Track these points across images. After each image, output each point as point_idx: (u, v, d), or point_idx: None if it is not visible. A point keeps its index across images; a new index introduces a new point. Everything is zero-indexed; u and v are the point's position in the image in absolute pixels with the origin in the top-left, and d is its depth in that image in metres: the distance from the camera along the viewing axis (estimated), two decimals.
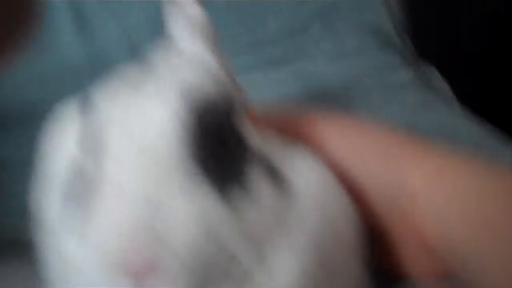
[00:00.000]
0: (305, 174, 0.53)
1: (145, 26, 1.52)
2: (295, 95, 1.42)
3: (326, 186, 0.55)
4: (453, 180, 0.54)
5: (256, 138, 0.53)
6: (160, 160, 0.45)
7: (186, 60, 0.53)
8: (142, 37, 1.51)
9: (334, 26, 1.74)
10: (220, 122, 0.49)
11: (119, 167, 0.46)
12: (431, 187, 0.54)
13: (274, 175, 0.51)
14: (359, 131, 0.63)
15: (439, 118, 1.44)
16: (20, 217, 1.07)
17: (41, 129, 1.01)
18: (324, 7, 1.75)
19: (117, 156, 0.46)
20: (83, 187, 0.48)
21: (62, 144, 0.54)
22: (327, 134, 0.60)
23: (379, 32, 1.81)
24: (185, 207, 0.44)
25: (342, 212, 0.54)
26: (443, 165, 0.56)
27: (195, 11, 0.63)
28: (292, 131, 0.60)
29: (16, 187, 1.21)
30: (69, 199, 0.49)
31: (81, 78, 1.41)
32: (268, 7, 1.68)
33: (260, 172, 0.49)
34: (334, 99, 1.46)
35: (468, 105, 1.57)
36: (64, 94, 1.03)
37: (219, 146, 0.48)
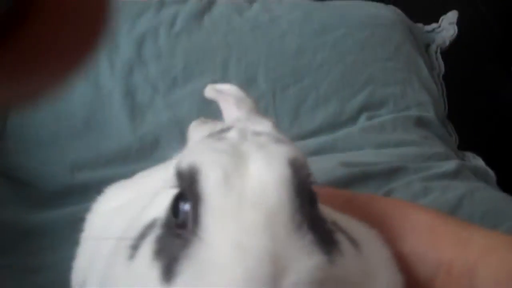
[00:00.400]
0: (367, 243, 0.59)
1: (195, 115, 1.61)
2: (339, 180, 1.47)
3: (382, 253, 0.61)
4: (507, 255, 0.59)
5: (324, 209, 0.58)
6: (277, 219, 0.48)
7: (267, 138, 0.57)
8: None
9: (380, 118, 1.79)
10: (309, 185, 0.53)
11: (235, 227, 0.47)
12: (489, 262, 0.58)
13: (352, 240, 0.55)
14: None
15: (486, 205, 1.46)
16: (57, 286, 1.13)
17: (90, 205, 1.09)
18: (371, 100, 1.82)
19: (232, 216, 0.48)
20: (177, 248, 0.49)
21: (156, 203, 0.57)
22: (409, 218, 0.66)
23: (424, 124, 1.85)
24: (304, 264, 0.47)
25: (392, 279, 0.60)
26: (494, 243, 0.61)
27: (237, 92, 0.73)
28: (361, 210, 0.66)
29: (55, 256, 1.28)
30: (161, 259, 0.50)
31: (132, 161, 1.51)
32: (318, 99, 1.76)
33: (342, 235, 0.54)
34: (377, 185, 1.51)
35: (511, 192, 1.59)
36: (114, 176, 1.12)
37: (313, 207, 0.53)
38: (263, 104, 1.70)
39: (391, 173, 1.55)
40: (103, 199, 1.07)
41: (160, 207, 0.57)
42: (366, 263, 0.55)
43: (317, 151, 1.64)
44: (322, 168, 1.50)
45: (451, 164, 1.64)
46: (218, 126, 0.64)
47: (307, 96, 1.75)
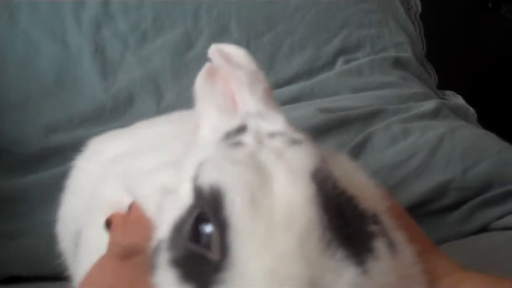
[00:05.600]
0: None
1: (169, 68, 1.59)
2: (318, 127, 1.45)
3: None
4: None
5: (385, 217, 0.58)
6: (308, 241, 0.48)
7: (283, 140, 0.57)
8: (166, 79, 1.58)
9: (357, 62, 1.77)
10: (336, 193, 0.53)
11: (268, 254, 0.47)
12: None
13: (392, 244, 0.55)
14: None
15: (466, 143, 1.46)
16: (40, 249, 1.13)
17: (65, 166, 1.08)
18: (347, 44, 1.79)
19: (264, 242, 0.47)
20: (207, 273, 0.48)
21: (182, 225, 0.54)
22: None
23: (402, 64, 1.84)
24: (339, 284, 0.47)
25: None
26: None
27: (249, 63, 0.68)
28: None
29: (35, 219, 1.28)
30: (191, 284, 0.49)
31: (106, 120, 1.49)
32: (294, 46, 1.73)
33: (382, 239, 0.54)
34: (356, 129, 1.50)
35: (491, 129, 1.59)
36: (89, 137, 1.11)
37: (342, 216, 0.52)
38: None
39: (370, 116, 1.54)
40: (94, 148, 1.07)
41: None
42: (403, 266, 0.55)
43: (295, 99, 1.62)
44: (300, 115, 1.49)
45: (430, 104, 1.64)
46: (231, 122, 0.62)
47: (282, 43, 1.72)
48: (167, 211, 0.57)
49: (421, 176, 1.37)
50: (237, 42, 1.64)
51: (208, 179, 0.52)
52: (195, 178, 0.54)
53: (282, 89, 1.65)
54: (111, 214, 0.77)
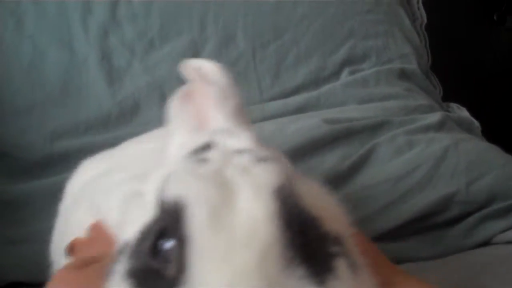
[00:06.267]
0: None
1: (175, 77, 1.59)
2: (323, 138, 1.46)
3: None
4: None
5: (348, 241, 0.57)
6: (268, 258, 0.47)
7: (249, 157, 0.56)
8: (172, 87, 1.59)
9: (363, 72, 1.77)
10: (299, 211, 0.52)
11: (227, 270, 0.46)
12: None
13: (353, 265, 0.54)
14: None
15: (471, 156, 1.46)
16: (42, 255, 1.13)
17: (69, 173, 1.08)
18: (353, 54, 1.80)
19: (223, 259, 0.46)
20: (159, 285, 0.48)
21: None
22: None
23: (407, 76, 1.84)
24: None
25: None
26: None
27: (219, 79, 0.67)
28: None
29: (38, 225, 1.28)
30: None
31: (112, 127, 1.49)
32: (300, 55, 1.73)
33: (344, 260, 0.53)
34: (361, 140, 1.50)
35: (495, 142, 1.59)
36: (94, 143, 1.10)
37: (304, 235, 0.51)
38: (243, 63, 1.67)
39: (375, 128, 1.54)
40: (78, 171, 1.07)
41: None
42: (363, 287, 0.55)
43: (300, 109, 1.62)
44: (305, 126, 1.49)
45: (435, 116, 1.63)
46: (198, 139, 0.61)
47: (288, 52, 1.72)
48: (134, 212, 0.57)
49: (425, 189, 1.37)
50: (243, 51, 1.67)
51: (171, 192, 0.51)
52: (159, 191, 0.53)
53: (287, 99, 1.65)
54: (72, 239, 0.77)
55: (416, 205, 1.34)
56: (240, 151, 0.57)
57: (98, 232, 0.71)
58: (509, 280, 1.02)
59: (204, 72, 0.68)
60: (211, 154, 0.57)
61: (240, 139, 0.60)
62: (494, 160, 1.46)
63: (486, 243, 1.32)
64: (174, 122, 0.67)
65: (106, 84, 1.54)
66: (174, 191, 0.51)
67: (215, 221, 0.48)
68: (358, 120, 1.54)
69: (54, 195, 1.11)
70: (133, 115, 1.54)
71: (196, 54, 1.62)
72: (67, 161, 1.33)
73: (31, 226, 1.32)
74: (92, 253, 0.68)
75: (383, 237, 1.28)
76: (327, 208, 0.59)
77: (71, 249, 0.76)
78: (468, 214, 1.34)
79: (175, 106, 0.67)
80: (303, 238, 0.50)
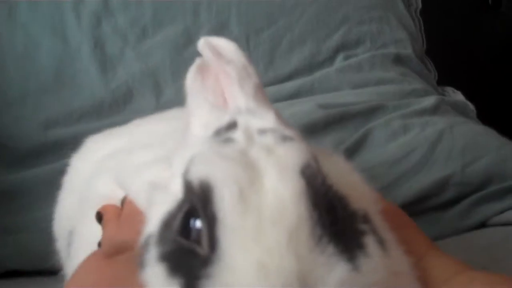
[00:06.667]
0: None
1: (168, 64, 1.59)
2: (317, 123, 1.46)
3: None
4: None
5: (376, 218, 0.58)
6: (297, 236, 0.47)
7: (273, 137, 0.56)
8: (165, 75, 1.58)
9: (357, 57, 1.77)
10: (326, 190, 0.53)
11: (257, 248, 0.46)
12: None
13: (382, 242, 0.55)
14: None
15: (466, 139, 1.46)
16: (39, 243, 1.14)
17: (64, 161, 1.08)
18: (347, 39, 1.79)
19: (252, 237, 0.47)
20: (195, 267, 0.48)
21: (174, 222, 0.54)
22: None
23: (402, 61, 1.83)
24: (329, 279, 0.47)
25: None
26: None
27: (239, 58, 0.66)
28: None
29: (34, 214, 1.29)
30: (179, 277, 0.49)
31: (105, 115, 1.49)
32: (294, 41, 1.73)
33: (373, 237, 0.54)
34: (356, 125, 1.50)
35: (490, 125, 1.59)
36: (88, 132, 1.11)
37: (332, 213, 0.52)
38: None
39: (370, 112, 1.53)
40: (89, 147, 1.08)
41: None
42: (393, 263, 0.55)
43: (294, 94, 1.62)
44: (300, 111, 1.49)
45: (430, 100, 1.63)
46: (221, 119, 0.61)
47: (282, 38, 1.71)
48: (156, 206, 0.57)
49: (420, 172, 1.37)
50: (237, 38, 1.66)
51: (198, 174, 0.52)
52: (185, 173, 0.53)
53: (282, 85, 1.64)
54: (102, 206, 0.76)
55: (412, 188, 1.34)
56: (263, 131, 0.57)
57: (130, 207, 0.70)
58: (506, 264, 1.02)
59: (222, 51, 0.67)
60: (235, 134, 0.57)
61: (262, 119, 0.60)
62: (489, 142, 1.46)
63: (482, 225, 1.31)
64: (192, 99, 0.66)
65: (99, 72, 1.53)
66: (201, 173, 0.52)
67: (243, 202, 0.48)
68: (353, 105, 1.54)
69: (49, 184, 1.12)
70: (126, 103, 1.53)
71: (189, 41, 1.61)
72: (61, 149, 1.33)
73: (28, 215, 1.33)
74: (126, 232, 0.67)
75: None
76: (353, 185, 0.59)
77: (101, 216, 0.75)
78: (464, 196, 1.34)
79: (192, 82, 0.66)
80: (332, 216, 0.51)
